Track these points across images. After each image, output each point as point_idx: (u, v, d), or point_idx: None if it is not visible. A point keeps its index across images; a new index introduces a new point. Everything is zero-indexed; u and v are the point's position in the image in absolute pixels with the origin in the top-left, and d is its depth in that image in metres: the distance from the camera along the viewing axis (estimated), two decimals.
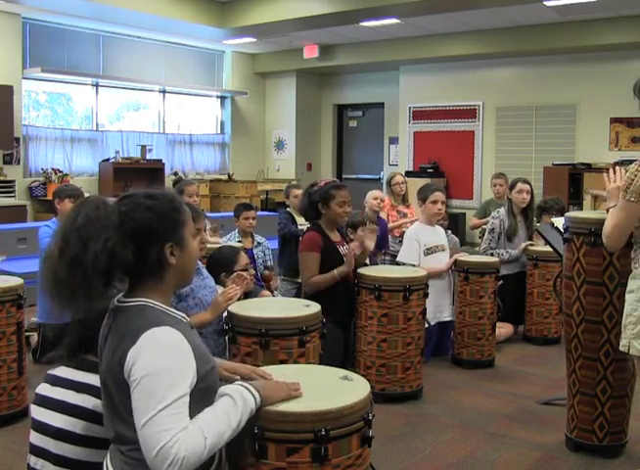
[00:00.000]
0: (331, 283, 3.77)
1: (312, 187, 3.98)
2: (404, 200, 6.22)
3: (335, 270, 3.76)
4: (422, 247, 4.55)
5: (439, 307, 4.56)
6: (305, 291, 3.84)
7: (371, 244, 4.06)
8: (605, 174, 2.87)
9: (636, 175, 2.61)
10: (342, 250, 3.92)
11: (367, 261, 4.49)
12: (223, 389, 1.64)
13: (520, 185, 5.19)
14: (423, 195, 4.70)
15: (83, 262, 1.51)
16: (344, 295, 3.86)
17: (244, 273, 3.21)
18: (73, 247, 1.52)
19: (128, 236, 1.57)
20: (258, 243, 5.44)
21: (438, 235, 4.76)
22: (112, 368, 1.56)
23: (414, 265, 4.42)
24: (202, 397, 1.58)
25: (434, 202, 4.62)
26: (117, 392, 1.56)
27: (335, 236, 3.97)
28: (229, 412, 1.57)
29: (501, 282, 4.71)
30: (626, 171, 2.66)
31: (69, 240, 1.53)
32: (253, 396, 1.65)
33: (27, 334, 4.36)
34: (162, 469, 1.44)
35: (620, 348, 2.72)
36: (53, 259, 1.54)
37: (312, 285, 3.76)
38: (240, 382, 1.71)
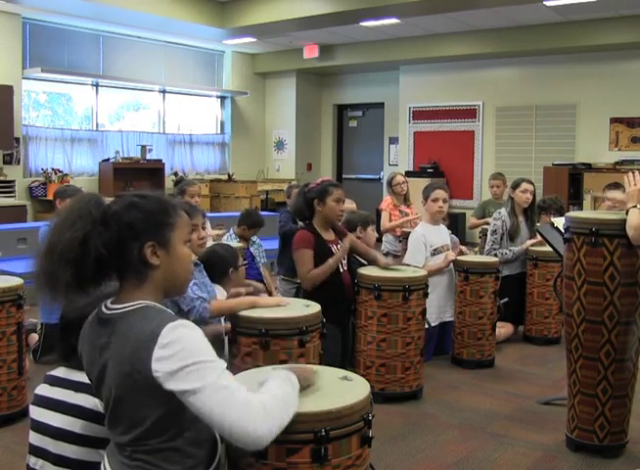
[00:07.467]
0: (328, 273, 3.77)
1: (306, 187, 4.00)
2: (405, 199, 6.29)
3: (329, 259, 3.77)
4: (428, 248, 4.55)
5: (443, 308, 4.57)
6: (304, 287, 3.84)
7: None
8: (625, 176, 2.93)
9: None
10: (336, 249, 3.91)
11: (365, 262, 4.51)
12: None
13: (525, 185, 5.19)
14: (425, 193, 4.72)
15: (55, 250, 1.56)
16: (341, 294, 3.85)
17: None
18: (52, 236, 1.58)
19: (109, 230, 1.58)
20: (253, 241, 5.49)
21: (443, 234, 4.77)
22: (125, 374, 1.52)
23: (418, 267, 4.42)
24: None
25: (435, 200, 4.62)
26: (134, 393, 1.53)
27: (328, 235, 3.94)
28: (278, 384, 1.63)
29: (505, 300, 4.73)
30: None
31: (50, 230, 1.60)
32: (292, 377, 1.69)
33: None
34: (260, 414, 1.49)
35: None
36: (38, 250, 1.61)
37: (310, 279, 3.75)
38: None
